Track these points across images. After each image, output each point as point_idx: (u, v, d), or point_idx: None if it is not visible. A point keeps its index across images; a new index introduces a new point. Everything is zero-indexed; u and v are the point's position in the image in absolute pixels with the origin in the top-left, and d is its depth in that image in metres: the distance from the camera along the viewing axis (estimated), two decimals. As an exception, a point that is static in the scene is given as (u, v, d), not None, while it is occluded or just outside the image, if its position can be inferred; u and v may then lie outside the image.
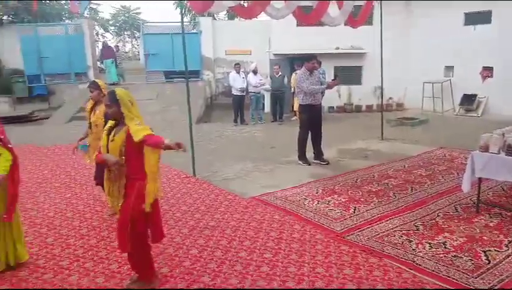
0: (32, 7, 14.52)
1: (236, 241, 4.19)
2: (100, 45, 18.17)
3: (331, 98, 13.00)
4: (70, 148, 5.22)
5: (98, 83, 4.79)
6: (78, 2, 15.58)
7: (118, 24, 40.11)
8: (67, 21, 16.78)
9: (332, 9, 7.66)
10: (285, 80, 11.83)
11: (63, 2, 17.97)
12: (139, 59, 24.64)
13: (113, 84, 13.58)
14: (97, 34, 21.09)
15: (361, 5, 8.60)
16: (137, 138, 3.01)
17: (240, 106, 11.70)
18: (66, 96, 13.74)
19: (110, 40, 37.39)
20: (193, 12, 18.62)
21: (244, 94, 11.74)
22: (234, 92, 11.71)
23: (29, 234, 4.44)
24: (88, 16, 19.53)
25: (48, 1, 16.67)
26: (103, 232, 4.47)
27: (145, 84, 14.47)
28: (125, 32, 41.19)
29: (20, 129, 11.04)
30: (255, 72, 11.68)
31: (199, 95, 13.13)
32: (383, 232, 4.34)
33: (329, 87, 7.36)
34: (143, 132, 3.04)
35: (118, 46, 15.93)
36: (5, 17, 15.60)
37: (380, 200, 5.30)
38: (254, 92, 11.67)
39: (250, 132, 10.60)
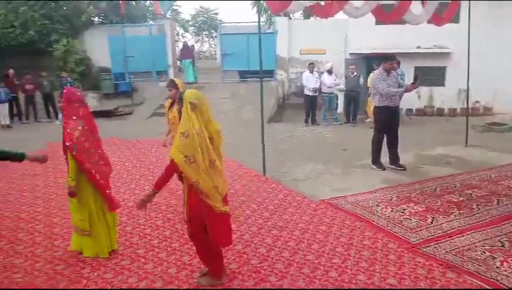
0: (120, 9, 15.59)
1: (305, 244, 4.13)
2: (180, 45, 18.98)
3: (410, 100, 12.36)
4: (150, 142, 5.50)
5: (175, 82, 4.97)
6: (160, 3, 16.49)
7: (197, 24, 41.70)
8: (151, 22, 17.75)
9: (415, 6, 7.27)
10: (361, 80, 11.48)
11: (148, 3, 19.05)
12: (216, 58, 25.40)
13: (190, 83, 14.13)
14: (177, 34, 22.06)
15: (448, 2, 8.05)
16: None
17: (311, 106, 11.58)
18: (147, 93, 14.55)
19: (189, 40, 39.08)
20: (269, 12, 18.78)
21: (316, 94, 11.59)
22: (306, 92, 11.61)
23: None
24: (170, 17, 20.53)
25: (134, 3, 17.75)
26: (177, 225, 4.65)
27: (221, 84, 14.87)
28: (204, 32, 42.70)
29: (106, 123, 11.93)
30: (330, 72, 11.46)
31: (272, 94, 13.20)
32: (464, 246, 4.02)
33: (408, 90, 6.99)
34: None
35: (193, 45, 16.47)
36: (96, 19, 16.90)
37: (461, 211, 4.92)
38: (327, 93, 11.47)
39: (322, 132, 10.43)
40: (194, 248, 3.47)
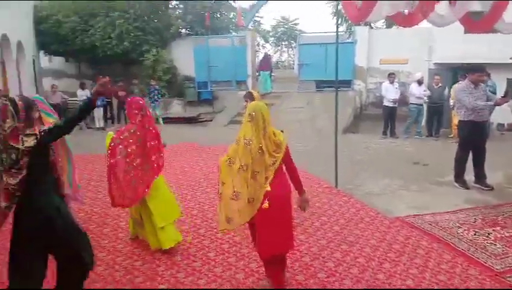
0: (205, 21, 16.39)
1: (375, 262, 4.00)
2: (260, 56, 19.36)
3: (502, 114, 11.34)
4: (226, 148, 5.66)
5: (252, 95, 5.10)
6: (243, 14, 16.99)
7: (277, 35, 42.33)
8: (233, 33, 18.39)
9: (508, 15, 6.70)
10: (446, 91, 10.82)
11: (231, 15, 19.76)
12: (293, 68, 25.55)
13: (266, 94, 14.37)
14: (258, 44, 22.60)
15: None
16: None
17: (390, 118, 11.15)
18: (227, 101, 15.07)
19: (268, 51, 39.75)
20: (349, 21, 18.49)
21: (396, 106, 11.15)
22: (385, 103, 11.21)
23: (186, 224, 5.02)
24: (252, 28, 21.09)
25: (218, 15, 18.53)
26: (247, 230, 4.75)
27: (297, 93, 14.94)
28: (283, 43, 43.18)
29: (189, 129, 12.60)
30: (419, 82, 10.87)
31: (348, 104, 12.96)
32: (559, 280, 3.62)
33: (498, 104, 6.46)
34: None
35: (270, 55, 16.70)
36: (183, 31, 17.94)
37: (557, 240, 4.43)
38: (416, 104, 10.93)
39: (401, 145, 9.99)
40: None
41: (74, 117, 2.89)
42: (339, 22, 7.34)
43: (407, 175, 7.14)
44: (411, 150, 9.50)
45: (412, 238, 4.52)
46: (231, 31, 19.05)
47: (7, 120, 2.71)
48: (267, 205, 3.14)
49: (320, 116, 12.24)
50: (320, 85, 14.85)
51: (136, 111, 4.10)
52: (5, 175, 2.68)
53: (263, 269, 3.74)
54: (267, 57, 16.51)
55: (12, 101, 2.76)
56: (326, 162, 7.04)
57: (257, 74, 15.97)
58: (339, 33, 6.94)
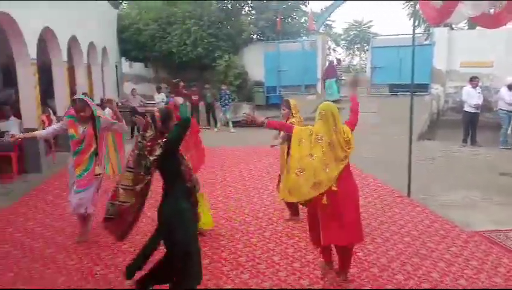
0: (276, 26, 16.53)
1: (450, 278, 3.74)
2: (334, 60, 19.03)
3: None
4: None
5: (289, 103, 5.17)
6: (315, 18, 16.83)
7: (349, 38, 41.50)
8: (304, 38, 18.34)
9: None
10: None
11: (303, 20, 19.72)
12: (365, 72, 24.87)
13: (334, 101, 14.05)
14: (329, 48, 22.27)
15: None
16: None
17: (472, 125, 10.37)
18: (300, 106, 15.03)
19: (340, 54, 39.09)
20: (427, 23, 17.56)
21: (478, 111, 10.35)
22: (466, 109, 10.44)
23: (252, 225, 5.08)
24: (323, 31, 20.89)
25: (289, 20, 18.58)
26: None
27: (368, 97, 14.50)
28: (355, 46, 42.21)
29: (257, 132, 12.72)
30: (510, 87, 10.01)
31: (425, 110, 12.30)
32: None
33: None
34: None
35: (339, 60, 16.21)
36: (254, 36, 18.25)
37: None
38: (506, 110, 10.05)
39: (483, 154, 9.24)
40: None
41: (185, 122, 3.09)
42: (416, 23, 7.01)
43: (490, 186, 6.58)
44: (493, 159, 8.76)
45: (492, 255, 4.16)
46: (302, 35, 19.01)
47: (148, 130, 3.02)
48: (325, 201, 3.31)
49: (393, 121, 11.73)
50: (394, 89, 14.29)
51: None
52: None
53: (316, 286, 3.67)
54: (332, 65, 16.06)
55: (151, 113, 3.12)
56: (399, 170, 6.75)
57: (324, 81, 15.59)
58: (416, 35, 6.62)
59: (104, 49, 14.26)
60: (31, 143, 7.76)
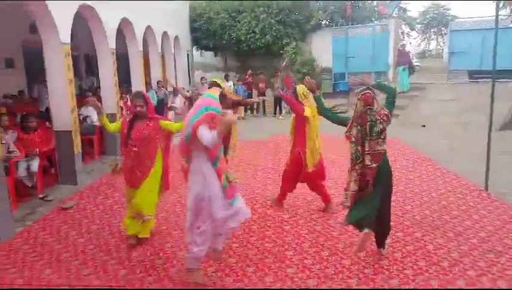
0: (346, 11, 16.06)
1: (530, 277, 3.46)
2: (406, 45, 18.03)
3: None
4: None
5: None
6: (389, 2, 16.08)
7: (425, 22, 39.07)
8: (375, 22, 17.62)
9: None
10: None
11: (375, 3, 18.92)
12: (442, 57, 23.33)
13: (401, 92, 13.19)
14: (402, 33, 21.13)
15: None
16: None
17: None
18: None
19: (414, 38, 36.96)
20: (515, 2, 16.02)
21: None
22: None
23: (303, 218, 5.05)
24: (396, 15, 19.88)
25: (360, 4, 17.91)
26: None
27: (445, 84, 13.63)
28: (432, 30, 39.64)
29: (324, 120, 12.55)
30: None
31: (509, 97, 11.29)
32: None
33: None
34: None
35: (404, 45, 15.07)
36: (323, 22, 17.88)
37: None
38: None
39: None
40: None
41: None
42: (500, 5, 6.43)
43: None
44: None
45: None
46: (373, 19, 18.28)
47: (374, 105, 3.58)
48: None
49: (472, 109, 10.93)
50: (474, 75, 13.27)
51: None
52: (373, 143, 3.57)
53: (380, 276, 3.58)
54: (403, 51, 14.43)
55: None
56: (476, 162, 6.32)
57: (395, 69, 14.59)
58: (500, 17, 6.08)
59: (177, 38, 14.84)
60: (110, 127, 8.36)
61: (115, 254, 4.15)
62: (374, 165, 3.56)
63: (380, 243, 3.89)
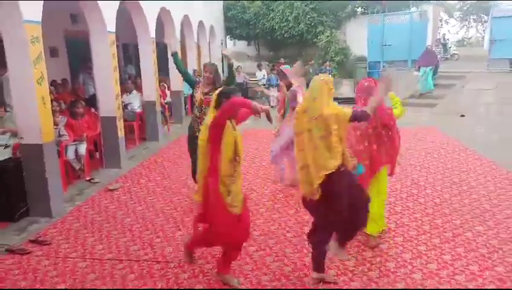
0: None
1: None
2: (442, 32, 17.54)
3: None
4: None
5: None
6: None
7: (465, 8, 37.66)
8: (413, 9, 17.20)
9: None
10: None
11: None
12: (482, 46, 22.53)
13: (423, 94, 12.77)
14: (441, 20, 20.50)
15: None
16: None
17: None
18: (401, 82, 14.32)
19: (453, 26, 35.72)
20: None
21: None
22: None
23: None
24: (435, 2, 19.31)
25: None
26: (437, 220, 4.57)
27: (485, 73, 13.22)
28: (471, 17, 38.18)
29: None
30: None
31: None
32: None
33: None
34: None
35: (439, 39, 14.33)
36: (358, 9, 17.60)
37: None
38: None
39: None
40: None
41: None
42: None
43: None
44: None
45: None
46: (411, 6, 17.83)
47: None
48: None
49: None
50: (516, 64, 12.83)
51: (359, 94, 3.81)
52: None
53: (418, 260, 3.59)
54: (430, 51, 13.33)
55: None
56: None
57: (416, 71, 13.39)
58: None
59: (212, 28, 15.01)
60: (150, 115, 8.67)
61: (160, 233, 4.38)
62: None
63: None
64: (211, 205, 3.03)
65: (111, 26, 6.61)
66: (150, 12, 8.36)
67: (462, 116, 10.47)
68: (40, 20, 4.72)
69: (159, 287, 3.38)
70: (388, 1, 15.93)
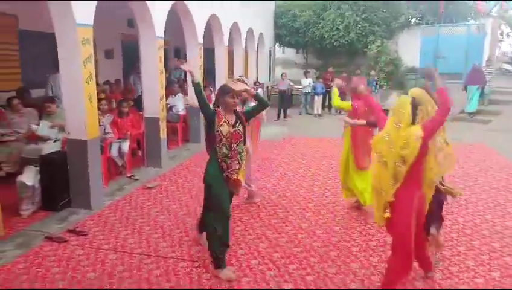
0: (438, 9, 15.18)
1: None
2: (503, 46, 16.56)
3: None
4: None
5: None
6: (486, 1, 14.92)
7: (531, 21, 35.38)
8: (471, 21, 16.45)
9: None
10: None
11: (471, 2, 17.64)
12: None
13: (470, 113, 12.09)
14: (501, 33, 19.38)
15: None
16: None
17: None
18: (452, 96, 13.69)
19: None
20: None
21: None
22: None
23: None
24: (496, 14, 18.33)
25: (454, 2, 16.81)
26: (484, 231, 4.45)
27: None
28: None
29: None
30: None
31: None
32: None
33: None
34: None
35: (490, 59, 13.23)
36: (412, 20, 17.08)
37: None
38: None
39: None
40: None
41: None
42: None
43: None
44: None
45: None
46: (469, 18, 17.06)
47: None
48: None
49: None
50: None
51: None
52: None
53: (448, 282, 3.44)
54: (477, 69, 12.51)
55: None
56: None
57: (463, 90, 12.50)
58: None
59: (261, 35, 15.19)
60: (193, 117, 8.91)
61: (190, 233, 4.49)
62: None
63: None
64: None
65: (160, 31, 6.89)
66: (199, 17, 8.61)
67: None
68: (92, 23, 5.03)
69: (182, 284, 3.47)
70: (445, 12, 15.35)
